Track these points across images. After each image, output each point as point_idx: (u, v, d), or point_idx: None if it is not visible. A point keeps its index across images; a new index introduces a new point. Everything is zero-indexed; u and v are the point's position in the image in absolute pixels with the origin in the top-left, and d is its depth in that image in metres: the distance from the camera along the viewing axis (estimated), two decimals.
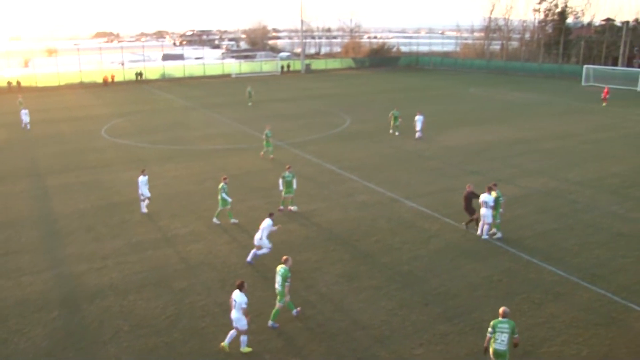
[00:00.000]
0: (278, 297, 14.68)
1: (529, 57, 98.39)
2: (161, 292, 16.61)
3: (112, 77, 78.87)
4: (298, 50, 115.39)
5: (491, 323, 12.10)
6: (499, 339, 11.90)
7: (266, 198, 25.21)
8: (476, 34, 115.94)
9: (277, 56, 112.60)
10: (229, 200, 21.90)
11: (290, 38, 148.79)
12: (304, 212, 23.27)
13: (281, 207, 23.38)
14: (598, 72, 75.24)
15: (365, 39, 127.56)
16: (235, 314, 13.41)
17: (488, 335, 12.06)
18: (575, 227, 21.66)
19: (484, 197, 20.00)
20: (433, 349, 13.73)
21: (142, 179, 23.10)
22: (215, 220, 22.10)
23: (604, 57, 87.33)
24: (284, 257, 14.82)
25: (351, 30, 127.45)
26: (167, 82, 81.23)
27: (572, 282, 17.06)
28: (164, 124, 44.84)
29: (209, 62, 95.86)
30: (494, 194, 20.15)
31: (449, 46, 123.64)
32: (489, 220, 19.99)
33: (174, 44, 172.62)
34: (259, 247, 18.21)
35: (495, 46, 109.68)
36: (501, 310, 12.22)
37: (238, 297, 13.33)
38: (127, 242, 20.42)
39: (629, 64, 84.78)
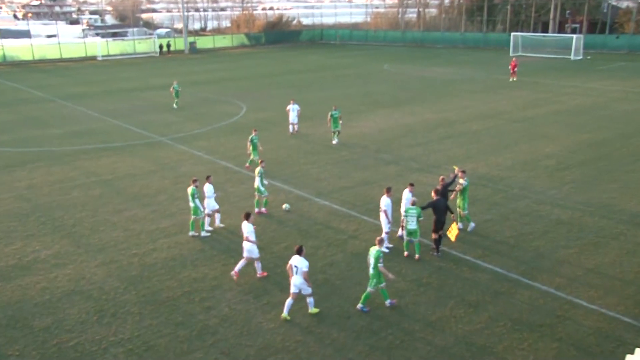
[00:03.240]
0: (370, 282, 16.12)
1: (449, 26, 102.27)
2: (16, 334, 15.67)
3: None
4: (179, 25, 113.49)
5: (404, 210, 19.10)
6: (410, 222, 18.85)
7: (150, 206, 24.59)
8: (389, 2, 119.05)
9: (153, 33, 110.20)
10: (202, 208, 21.44)
11: (169, 11, 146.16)
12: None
13: (257, 210, 23.60)
14: (527, 40, 79.12)
15: (259, 11, 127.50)
16: (298, 280, 15.55)
17: (402, 218, 19.41)
18: (510, 217, 22.70)
19: (383, 201, 19.78)
20: None
21: (209, 188, 21.67)
22: (203, 232, 21.60)
23: (533, 23, 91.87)
24: (378, 238, 16.36)
25: (242, 1, 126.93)
26: (9, 66, 77.41)
27: (511, 280, 17.83)
28: (11, 121, 42.68)
29: (66, 41, 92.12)
30: (462, 181, 20.91)
31: (358, 16, 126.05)
32: (387, 229, 19.91)
33: (15, 16, 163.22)
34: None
35: (411, 14, 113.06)
36: (411, 200, 19.22)
37: (299, 262, 15.48)
38: None
39: (561, 29, 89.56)
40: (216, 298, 17.13)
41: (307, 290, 15.77)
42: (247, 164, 29.27)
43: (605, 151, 31.68)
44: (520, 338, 14.91)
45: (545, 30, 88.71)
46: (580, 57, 72.38)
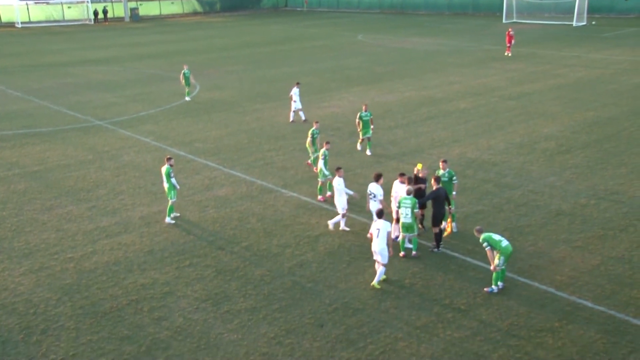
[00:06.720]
0: (499, 258, 17.06)
1: None
2: None
3: None
4: None
5: (399, 200, 18.96)
6: (404, 214, 18.73)
7: (87, 202, 24.38)
8: None
9: None
10: (178, 187, 22.47)
11: None
12: (145, 216, 22.80)
13: (321, 196, 24.23)
14: (523, 4, 79.35)
15: None
16: (380, 245, 17.09)
17: (395, 209, 19.33)
18: (504, 208, 22.97)
19: (371, 188, 20.24)
20: None
21: (339, 182, 20.90)
22: (168, 219, 22.30)
23: None
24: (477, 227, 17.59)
25: None
26: None
27: (506, 279, 17.96)
28: None
29: None
30: (440, 172, 20.77)
31: None
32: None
33: None
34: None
35: None
36: (406, 189, 19.02)
37: (383, 225, 17.11)
38: None
39: None
40: (168, 307, 17.08)
41: (384, 258, 17.21)
42: (309, 161, 27.58)
43: (612, 131, 32.14)
44: (517, 345, 15.07)
45: None
46: (583, 23, 72.94)
